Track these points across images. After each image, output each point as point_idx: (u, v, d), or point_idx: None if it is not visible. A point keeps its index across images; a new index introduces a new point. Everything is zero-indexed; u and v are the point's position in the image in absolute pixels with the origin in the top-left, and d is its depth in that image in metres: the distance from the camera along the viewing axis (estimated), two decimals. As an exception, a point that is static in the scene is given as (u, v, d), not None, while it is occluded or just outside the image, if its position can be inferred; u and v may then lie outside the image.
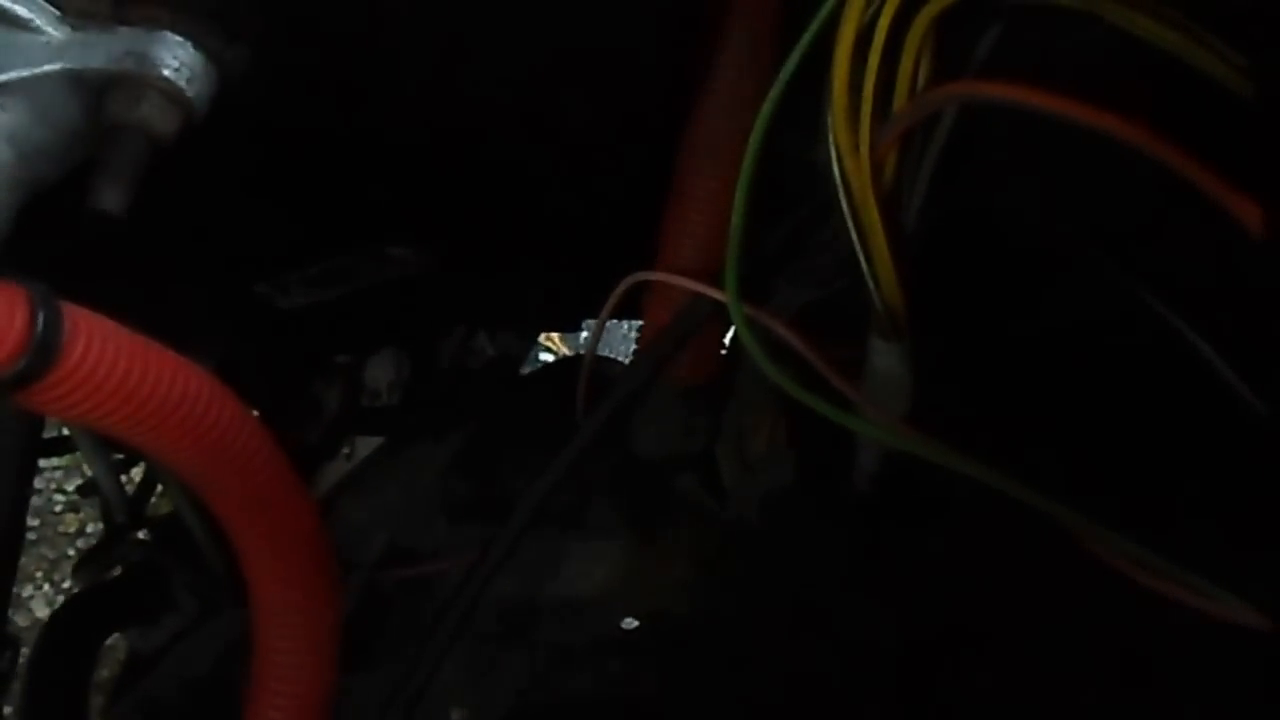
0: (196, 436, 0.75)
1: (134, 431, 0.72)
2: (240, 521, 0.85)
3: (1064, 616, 0.88)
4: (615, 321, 1.09)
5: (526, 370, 1.83)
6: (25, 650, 1.45)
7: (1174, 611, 0.73)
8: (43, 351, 0.63)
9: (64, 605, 1.55)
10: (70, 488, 3.42)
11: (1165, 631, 0.79)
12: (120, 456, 1.57)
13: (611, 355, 1.23)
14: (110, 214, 0.73)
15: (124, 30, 0.77)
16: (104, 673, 1.77)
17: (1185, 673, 0.81)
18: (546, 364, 1.84)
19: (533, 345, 1.90)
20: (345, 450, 1.63)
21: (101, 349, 0.66)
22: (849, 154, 0.80)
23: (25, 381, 0.64)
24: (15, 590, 3.02)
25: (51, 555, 3.35)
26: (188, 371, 0.74)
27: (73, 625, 1.49)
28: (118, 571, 1.54)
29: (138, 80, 0.75)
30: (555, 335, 3.11)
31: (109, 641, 1.67)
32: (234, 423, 0.78)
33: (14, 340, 0.62)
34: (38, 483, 3.43)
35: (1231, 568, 0.71)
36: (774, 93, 0.84)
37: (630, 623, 1.05)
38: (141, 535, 1.55)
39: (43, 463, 3.27)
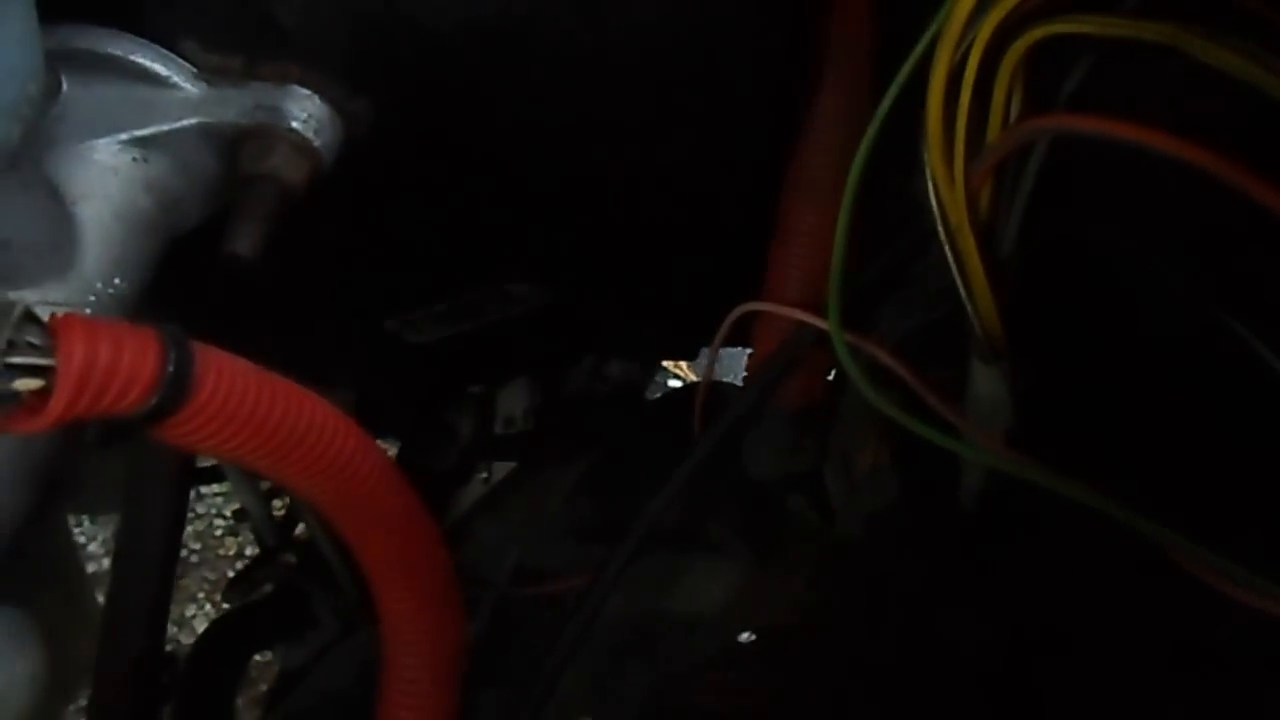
0: (322, 466, 0.76)
1: (263, 462, 0.73)
2: (365, 545, 0.86)
3: (1157, 629, 0.87)
4: (739, 348, 1.09)
5: (655, 396, 1.84)
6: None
7: (1265, 624, 0.72)
8: (175, 389, 0.64)
9: (212, 624, 1.57)
10: (229, 512, 3.46)
11: (1255, 643, 0.78)
12: (268, 485, 1.59)
13: (733, 380, 1.23)
14: (244, 258, 0.74)
15: (255, 85, 0.79)
16: (263, 687, 1.79)
17: (1270, 680, 0.80)
18: (671, 390, 1.84)
19: (655, 372, 1.91)
20: (483, 475, 1.64)
21: (230, 386, 0.68)
22: (945, 186, 0.80)
23: (160, 416, 0.65)
24: (179, 610, 3.07)
25: (213, 576, 3.39)
26: (313, 405, 0.75)
27: (220, 643, 1.51)
28: (268, 591, 1.56)
29: (269, 132, 0.77)
30: (683, 363, 3.11)
31: (266, 658, 1.69)
32: (357, 453, 0.79)
33: (147, 378, 0.63)
34: (200, 508, 3.49)
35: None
36: (871, 130, 0.84)
37: (748, 636, 1.04)
38: (290, 558, 1.57)
39: (204, 489, 3.32)
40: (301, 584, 1.50)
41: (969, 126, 0.78)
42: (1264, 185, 0.63)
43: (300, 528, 1.59)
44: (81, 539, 3.28)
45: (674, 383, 3.06)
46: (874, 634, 1.02)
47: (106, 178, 0.74)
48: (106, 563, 3.05)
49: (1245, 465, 0.83)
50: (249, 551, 3.39)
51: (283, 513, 1.63)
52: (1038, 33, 0.72)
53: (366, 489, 0.81)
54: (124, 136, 0.75)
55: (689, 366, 3.23)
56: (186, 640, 2.98)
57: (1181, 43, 0.66)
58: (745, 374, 1.07)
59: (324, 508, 0.83)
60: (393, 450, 1.62)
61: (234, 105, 0.78)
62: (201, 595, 3.32)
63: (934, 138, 0.79)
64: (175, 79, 0.77)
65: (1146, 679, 0.88)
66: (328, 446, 0.76)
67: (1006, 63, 0.75)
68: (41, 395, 0.60)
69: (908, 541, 1.05)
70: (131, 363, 0.62)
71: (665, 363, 2.87)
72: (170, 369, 0.64)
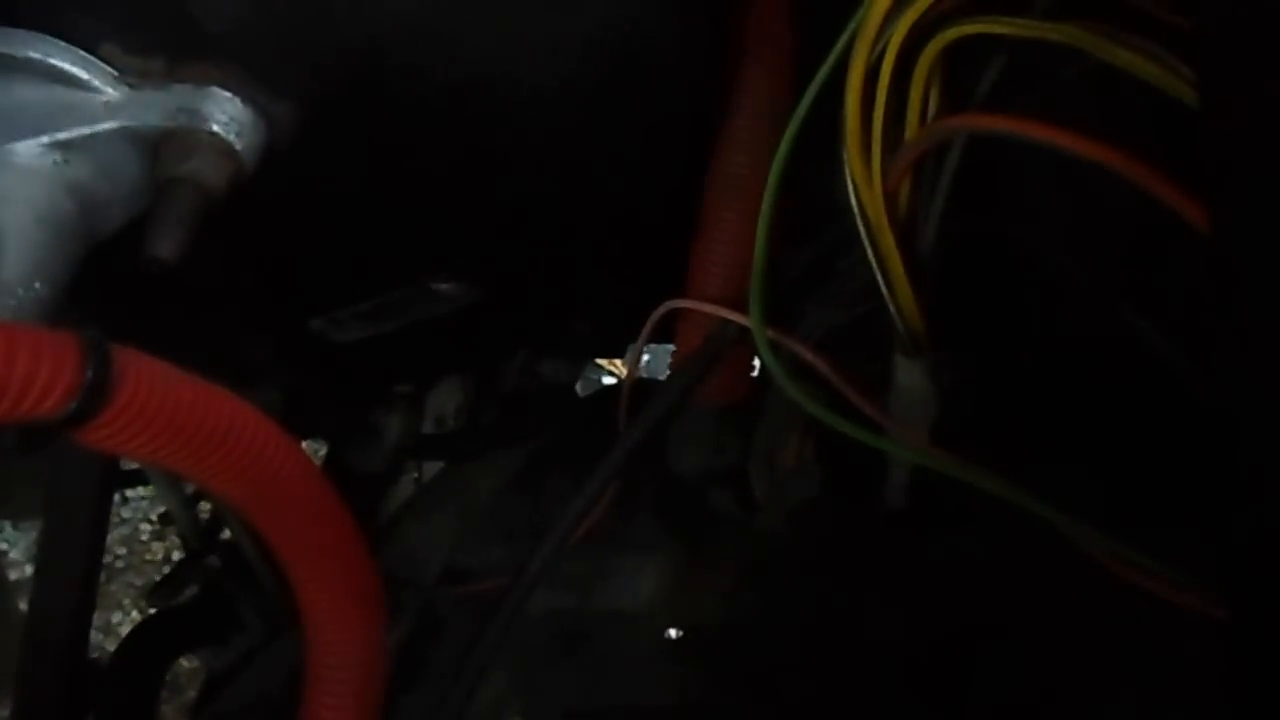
0: (242, 468, 0.77)
1: (184, 465, 0.74)
2: (286, 547, 0.87)
3: (1079, 621, 0.89)
4: (670, 345, 1.11)
5: (588, 394, 1.85)
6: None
7: (1185, 617, 0.75)
8: (94, 393, 0.65)
9: (136, 628, 1.57)
10: (155, 516, 3.45)
11: (1177, 635, 0.80)
12: (193, 488, 1.59)
13: (663, 377, 1.24)
14: (165, 260, 0.75)
15: (176, 88, 0.79)
16: (191, 694, 1.80)
17: (1187, 667, 0.82)
18: (601, 388, 1.85)
19: (583, 370, 1.92)
20: (414, 475, 1.65)
21: (150, 389, 0.69)
22: (864, 184, 0.82)
23: (79, 421, 0.66)
24: (105, 616, 3.06)
25: (138, 582, 3.38)
26: (234, 407, 0.76)
27: (145, 647, 1.52)
28: (193, 595, 1.57)
29: (189, 135, 0.78)
30: (616, 360, 3.11)
31: (195, 665, 1.70)
32: (278, 454, 0.80)
33: (66, 383, 0.64)
34: (125, 512, 3.48)
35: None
36: (791, 129, 0.86)
37: (674, 632, 1.06)
38: (215, 561, 1.57)
39: (130, 493, 3.32)
40: (227, 587, 1.50)
41: (886, 125, 0.80)
42: (1167, 184, 0.65)
43: (225, 531, 1.60)
44: (3, 545, 3.27)
45: (607, 379, 3.07)
46: (799, 629, 1.04)
47: (28, 181, 0.75)
48: (29, 569, 3.04)
49: (1159, 460, 0.85)
50: (176, 556, 3.38)
51: (208, 516, 1.64)
52: (951, 33, 0.74)
53: (287, 491, 0.82)
54: (45, 140, 0.76)
55: (623, 364, 3.24)
56: (112, 647, 2.96)
57: (1087, 44, 0.69)
58: (669, 370, 1.09)
59: (245, 510, 0.84)
60: (322, 451, 1.63)
61: (155, 108, 0.78)
62: (127, 601, 3.31)
63: (852, 136, 0.81)
64: (96, 82, 0.78)
65: (1070, 670, 0.90)
66: (248, 449, 0.77)
67: (922, 62, 0.77)
68: (-42, 401, 0.61)
69: (832, 536, 1.07)
70: (50, 368, 0.63)
71: (598, 360, 2.88)
72: (89, 374, 0.65)
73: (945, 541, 0.98)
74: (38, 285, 0.73)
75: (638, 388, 1.13)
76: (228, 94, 0.80)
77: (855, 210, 0.83)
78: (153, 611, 1.60)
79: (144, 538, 3.52)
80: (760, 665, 1.03)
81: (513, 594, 0.98)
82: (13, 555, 3.23)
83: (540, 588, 1.00)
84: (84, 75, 0.78)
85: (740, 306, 0.97)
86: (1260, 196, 0.46)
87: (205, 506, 1.67)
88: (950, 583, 0.97)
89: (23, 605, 1.73)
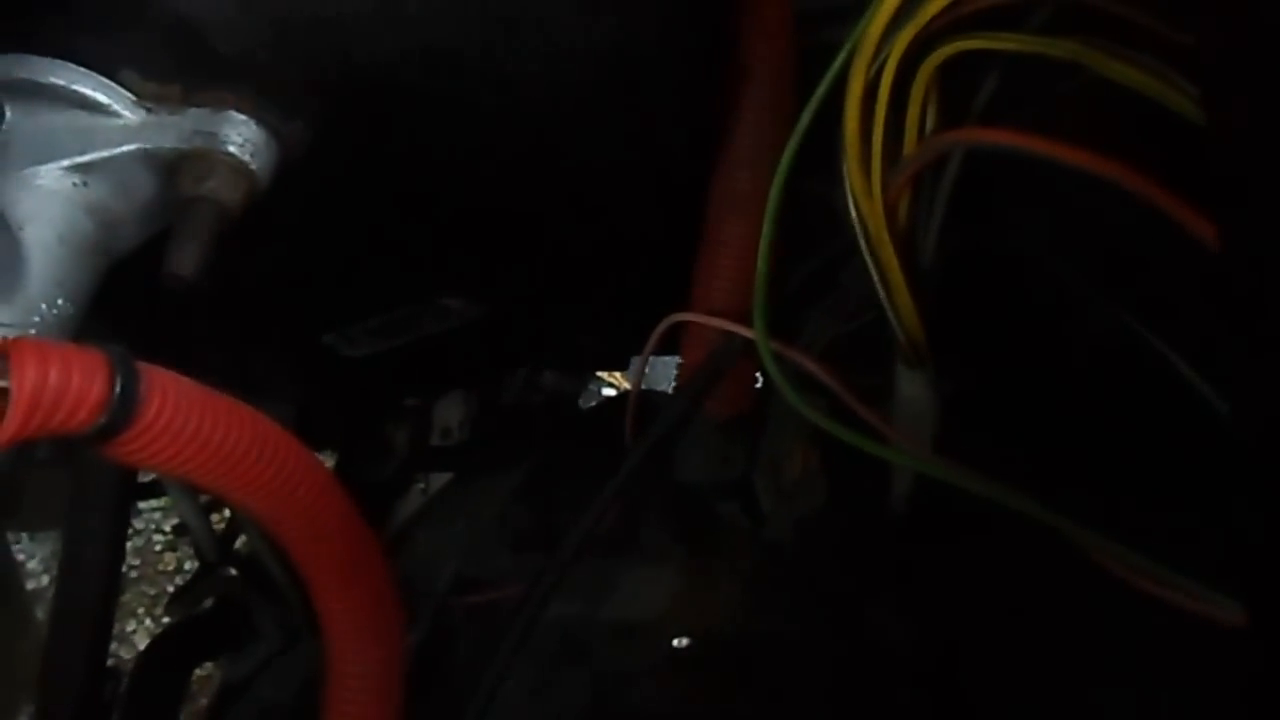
0: (265, 481, 0.77)
1: (208, 478, 0.74)
2: (307, 558, 0.87)
3: (1082, 627, 0.89)
4: (671, 357, 1.11)
5: (590, 405, 1.85)
6: (129, 682, 1.48)
7: (1189, 621, 0.74)
8: (121, 409, 0.65)
9: (156, 638, 1.57)
10: (168, 528, 3.44)
11: (1179, 640, 0.80)
12: (207, 499, 1.59)
13: (666, 388, 1.24)
14: (184, 277, 0.75)
15: (193, 111, 0.80)
16: (203, 701, 1.79)
17: (1191, 671, 0.82)
18: (604, 399, 1.85)
19: (588, 382, 1.92)
20: (421, 486, 1.65)
21: (175, 404, 0.68)
22: (863, 197, 0.82)
23: (107, 436, 0.66)
24: (120, 625, 3.05)
25: (152, 592, 3.38)
26: (256, 421, 0.76)
27: (164, 657, 1.51)
28: (210, 605, 1.56)
29: (206, 156, 0.78)
30: (617, 373, 3.11)
31: (206, 672, 1.69)
32: (300, 467, 0.80)
33: (95, 400, 0.64)
34: (139, 523, 3.47)
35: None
36: (792, 144, 0.86)
37: (682, 641, 1.06)
38: (231, 571, 1.57)
39: (142, 504, 3.31)
40: (243, 597, 1.50)
41: (886, 140, 0.80)
42: (1167, 195, 0.65)
43: (241, 540, 1.60)
44: (20, 556, 3.26)
45: (608, 391, 3.07)
46: (806, 637, 1.04)
47: (50, 202, 0.75)
48: (46, 579, 3.04)
49: (1164, 466, 0.85)
50: (188, 566, 3.37)
51: (223, 526, 1.63)
52: (949, 49, 0.74)
53: (309, 502, 0.82)
54: (66, 163, 0.76)
55: (623, 375, 3.24)
56: (127, 655, 2.96)
57: (1084, 58, 0.69)
58: (675, 383, 1.09)
59: (267, 521, 0.83)
60: (330, 462, 1.63)
61: (172, 131, 0.79)
62: (141, 610, 3.30)
63: (851, 150, 0.81)
64: (115, 106, 0.78)
65: (1073, 677, 0.90)
66: (271, 462, 0.77)
67: (920, 77, 0.77)
68: (-7, 416, 0.61)
69: (838, 545, 1.06)
70: (80, 384, 0.63)
71: (599, 372, 2.88)
72: (117, 389, 0.65)
73: (951, 549, 0.98)
74: (60, 302, 0.73)
75: (642, 399, 1.13)
76: (242, 116, 0.80)
77: (856, 223, 0.83)
78: (167, 621, 1.60)
79: (157, 548, 3.51)
80: (768, 674, 1.02)
81: (528, 604, 0.98)
82: (30, 566, 3.23)
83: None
84: (104, 100, 0.78)
85: (744, 319, 0.96)
86: (1270, 212, 0.46)
87: (218, 517, 1.66)
88: (956, 590, 0.97)
89: (40, 614, 1.72)
